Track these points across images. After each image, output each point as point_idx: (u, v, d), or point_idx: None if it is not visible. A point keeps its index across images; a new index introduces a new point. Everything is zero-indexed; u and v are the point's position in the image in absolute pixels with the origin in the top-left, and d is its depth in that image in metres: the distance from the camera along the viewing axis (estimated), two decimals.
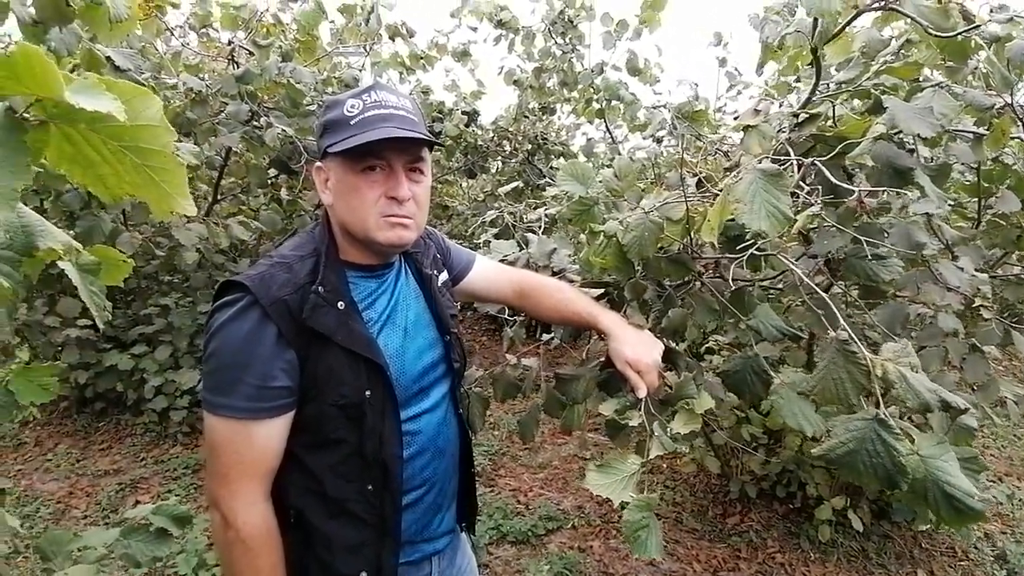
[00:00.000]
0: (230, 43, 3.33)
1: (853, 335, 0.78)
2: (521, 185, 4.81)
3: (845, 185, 0.95)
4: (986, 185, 1.81)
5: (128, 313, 3.80)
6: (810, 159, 0.99)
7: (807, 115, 1.12)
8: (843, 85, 1.27)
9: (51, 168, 0.61)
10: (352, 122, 0.95)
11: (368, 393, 0.96)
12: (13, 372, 0.98)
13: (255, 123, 3.22)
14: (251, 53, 3.24)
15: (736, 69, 4.10)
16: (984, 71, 1.48)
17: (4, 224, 0.56)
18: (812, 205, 0.92)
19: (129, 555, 1.22)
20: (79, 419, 3.79)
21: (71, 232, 2.98)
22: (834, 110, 1.21)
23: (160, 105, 0.59)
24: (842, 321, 0.82)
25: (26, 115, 0.54)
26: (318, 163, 1.03)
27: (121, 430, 3.72)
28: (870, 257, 1.04)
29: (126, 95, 0.55)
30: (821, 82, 1.24)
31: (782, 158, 1.01)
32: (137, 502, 3.04)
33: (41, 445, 3.60)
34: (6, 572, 1.12)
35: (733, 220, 0.97)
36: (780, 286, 1.49)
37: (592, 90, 4.30)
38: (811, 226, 1.15)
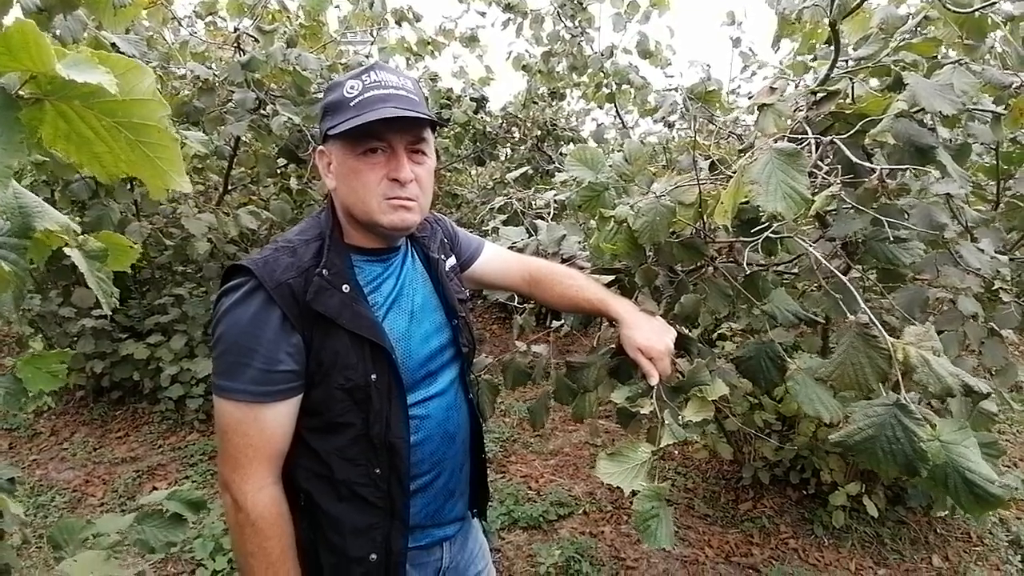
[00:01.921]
0: (236, 30, 3.31)
1: (874, 319, 0.75)
2: (530, 171, 4.77)
3: (866, 164, 0.92)
4: (1004, 167, 1.77)
5: (143, 303, 3.84)
6: (829, 137, 0.96)
7: (826, 92, 1.08)
8: (862, 61, 1.23)
9: (47, 146, 0.60)
10: (352, 104, 0.94)
11: (373, 377, 0.96)
12: (22, 360, 0.97)
13: (262, 111, 3.22)
14: (257, 40, 3.22)
15: (750, 49, 4.02)
16: (1000, 51, 1.45)
17: (1, 205, 0.56)
18: (830, 186, 0.89)
19: (143, 541, 1.23)
20: (95, 408, 3.85)
21: (78, 220, 3.01)
22: (852, 88, 1.18)
23: (153, 78, 0.58)
24: (862, 304, 0.80)
25: (21, 93, 0.53)
26: (320, 147, 1.02)
27: (138, 418, 3.77)
28: (892, 239, 1.01)
29: (119, 69, 0.54)
30: (839, 59, 1.20)
31: (799, 136, 0.98)
32: (154, 488, 3.09)
33: (57, 435, 3.64)
34: (15, 562, 1.12)
35: (748, 202, 0.95)
36: (795, 270, 1.46)
37: (602, 74, 4.24)
38: (828, 208, 1.11)
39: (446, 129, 5.14)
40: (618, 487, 0.92)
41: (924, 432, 0.71)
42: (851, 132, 0.98)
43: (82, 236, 0.81)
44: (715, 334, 2.93)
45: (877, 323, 0.75)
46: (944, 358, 0.73)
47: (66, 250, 0.77)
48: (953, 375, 0.72)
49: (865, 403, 0.74)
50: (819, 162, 0.97)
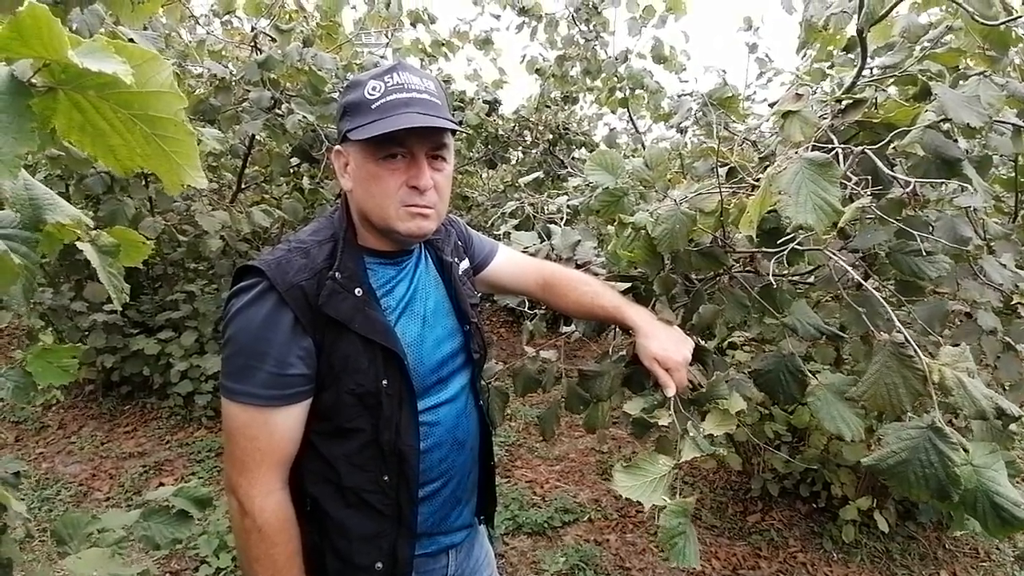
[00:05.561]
0: (253, 29, 3.33)
1: (909, 338, 0.73)
2: (542, 176, 4.75)
3: (895, 175, 0.90)
4: (1023, 180, 1.74)
5: (155, 299, 3.86)
6: (860, 147, 0.93)
7: (852, 100, 1.06)
8: (888, 70, 1.21)
9: (61, 137, 0.58)
10: (373, 106, 0.91)
11: (385, 382, 0.94)
12: (31, 353, 0.96)
13: (277, 111, 3.22)
14: (273, 40, 3.24)
15: (767, 56, 3.98)
16: (1019, 63, 1.43)
17: (10, 196, 0.54)
18: (859, 197, 0.86)
19: (149, 537, 1.21)
20: (104, 402, 3.86)
21: (92, 214, 3.02)
22: (876, 97, 1.15)
23: (170, 71, 0.56)
24: (897, 323, 0.77)
25: (34, 81, 0.51)
26: (337, 147, 1.00)
27: (146, 413, 3.78)
28: (923, 252, 0.98)
29: (135, 60, 0.52)
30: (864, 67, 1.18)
31: (826, 146, 0.95)
32: (161, 484, 3.09)
33: (64, 428, 3.65)
34: (18, 557, 1.11)
35: (771, 212, 0.93)
36: (810, 280, 1.44)
37: (616, 79, 4.23)
38: (851, 219, 1.09)
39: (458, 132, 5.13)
40: (625, 497, 0.90)
41: (958, 456, 0.68)
42: (880, 143, 0.96)
43: (95, 231, 0.80)
44: (726, 342, 2.89)
45: (913, 343, 0.72)
46: (978, 379, 0.71)
47: (78, 244, 0.76)
48: (987, 398, 0.70)
49: (898, 425, 0.72)
50: (848, 173, 0.95)
